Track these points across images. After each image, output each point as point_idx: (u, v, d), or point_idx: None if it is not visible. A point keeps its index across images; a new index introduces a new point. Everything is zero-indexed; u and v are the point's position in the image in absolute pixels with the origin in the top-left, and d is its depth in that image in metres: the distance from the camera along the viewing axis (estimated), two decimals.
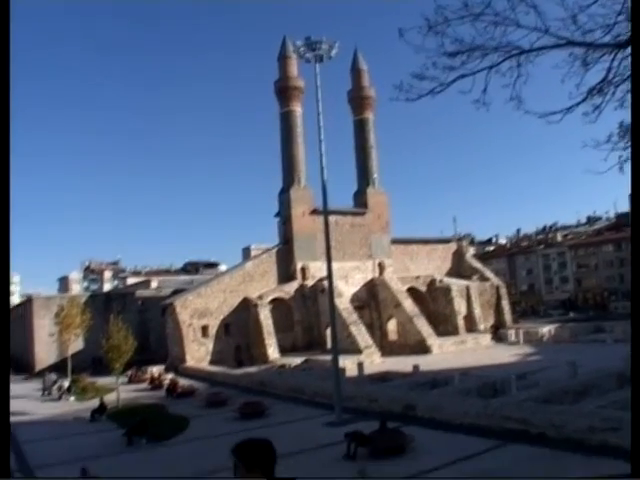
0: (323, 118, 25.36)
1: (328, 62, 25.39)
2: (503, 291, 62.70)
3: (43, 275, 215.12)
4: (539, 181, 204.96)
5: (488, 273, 65.09)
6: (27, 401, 34.41)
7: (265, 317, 47.84)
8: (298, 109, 54.91)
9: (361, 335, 47.00)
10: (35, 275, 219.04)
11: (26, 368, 53.70)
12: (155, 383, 37.54)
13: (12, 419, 27.06)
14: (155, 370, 42.46)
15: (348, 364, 35.17)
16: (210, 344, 47.49)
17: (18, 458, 19.28)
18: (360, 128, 59.25)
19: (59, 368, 43.72)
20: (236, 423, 22.98)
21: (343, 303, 48.82)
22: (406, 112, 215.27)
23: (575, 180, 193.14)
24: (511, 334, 53.18)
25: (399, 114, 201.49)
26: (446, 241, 66.90)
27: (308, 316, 51.55)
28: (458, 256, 65.15)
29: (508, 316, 61.41)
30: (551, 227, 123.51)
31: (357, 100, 59.46)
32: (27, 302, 60.19)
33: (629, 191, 6.19)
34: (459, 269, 63.82)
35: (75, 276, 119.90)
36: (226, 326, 48.64)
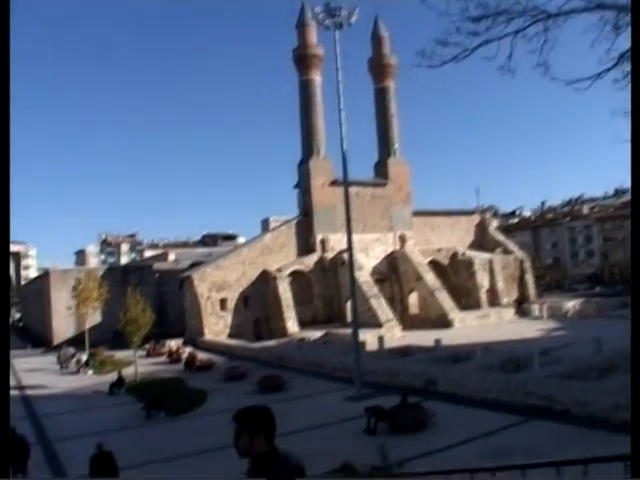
0: (343, 87, 24.84)
1: (348, 29, 24.73)
2: (527, 264, 61.55)
3: (60, 249, 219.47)
4: (565, 152, 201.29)
5: (512, 246, 63.98)
6: (45, 374, 34.97)
7: (284, 290, 47.66)
8: (317, 78, 53.83)
9: (382, 309, 46.62)
10: (52, 249, 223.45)
11: (44, 342, 54.37)
12: (173, 357, 37.70)
13: (31, 392, 27.59)
14: (173, 344, 42.71)
15: (368, 338, 34.82)
16: (229, 317, 47.59)
17: (37, 431, 19.44)
18: (381, 97, 58.08)
19: (77, 342, 44.16)
20: (255, 397, 22.86)
21: (363, 276, 48.44)
22: (428, 80, 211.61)
23: (603, 151, 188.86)
24: (535, 309, 52.41)
25: (421, 82, 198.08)
26: (469, 213, 65.78)
27: (328, 289, 51.28)
28: (481, 228, 64.08)
29: (532, 290, 60.33)
30: (577, 199, 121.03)
31: (378, 68, 58.18)
32: (44, 276, 60.53)
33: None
34: (482, 242, 62.82)
35: (92, 249, 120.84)
36: (245, 299, 48.61)
